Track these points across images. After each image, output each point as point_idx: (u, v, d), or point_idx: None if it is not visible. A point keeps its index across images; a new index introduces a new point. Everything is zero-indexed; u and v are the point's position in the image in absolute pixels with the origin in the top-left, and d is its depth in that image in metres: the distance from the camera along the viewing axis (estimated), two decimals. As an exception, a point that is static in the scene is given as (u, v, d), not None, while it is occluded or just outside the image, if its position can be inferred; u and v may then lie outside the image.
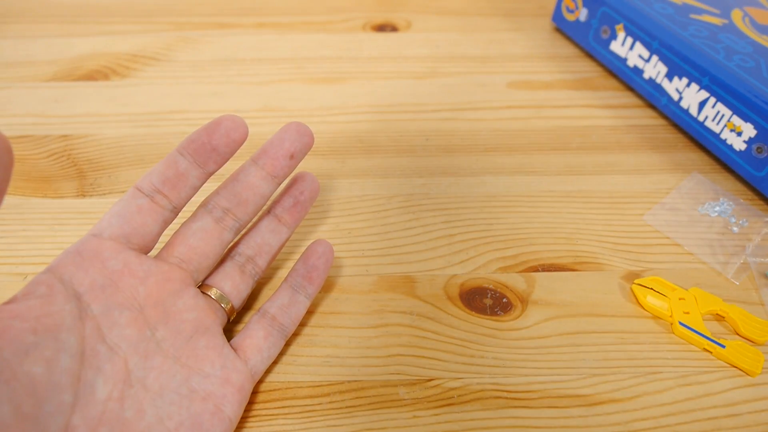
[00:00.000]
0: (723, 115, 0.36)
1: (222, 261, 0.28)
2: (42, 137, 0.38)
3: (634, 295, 0.30)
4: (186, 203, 0.26)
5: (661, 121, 0.41)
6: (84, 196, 0.35)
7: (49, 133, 0.38)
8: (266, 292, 0.30)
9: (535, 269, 0.32)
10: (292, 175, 0.31)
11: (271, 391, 0.27)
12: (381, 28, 0.49)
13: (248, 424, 0.25)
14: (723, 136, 0.36)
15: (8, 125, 0.39)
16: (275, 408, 0.26)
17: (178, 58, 0.45)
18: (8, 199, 0.34)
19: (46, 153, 0.37)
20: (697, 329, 0.29)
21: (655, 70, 0.40)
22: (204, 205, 0.27)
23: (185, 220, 0.27)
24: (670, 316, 0.29)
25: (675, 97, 0.39)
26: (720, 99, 0.36)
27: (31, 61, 0.44)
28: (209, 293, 0.26)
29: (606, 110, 0.42)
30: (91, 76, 0.43)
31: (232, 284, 0.27)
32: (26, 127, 0.39)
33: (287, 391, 0.27)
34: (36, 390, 0.20)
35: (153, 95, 0.42)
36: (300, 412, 0.26)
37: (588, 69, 0.46)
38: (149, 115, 0.40)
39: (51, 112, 0.40)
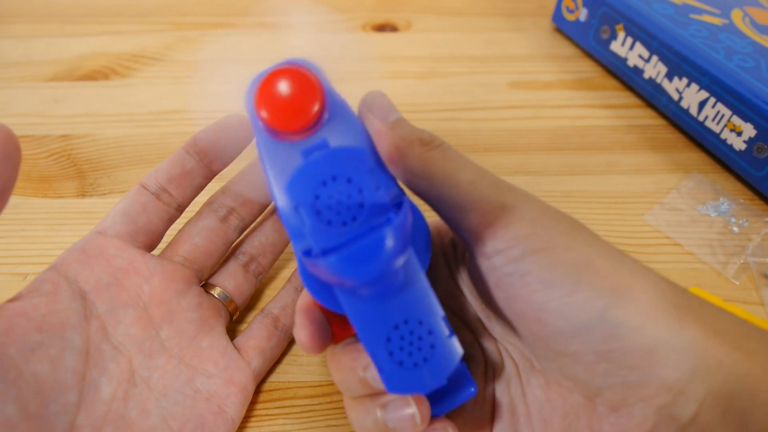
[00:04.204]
0: (723, 115, 0.36)
1: (226, 260, 0.28)
2: (42, 137, 0.38)
3: (635, 295, 0.30)
4: (191, 201, 0.26)
5: (661, 121, 0.41)
6: (84, 196, 0.35)
7: (49, 133, 0.38)
8: (269, 293, 0.30)
9: (536, 269, 0.32)
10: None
11: (271, 391, 0.27)
12: (381, 28, 0.49)
13: (249, 424, 0.25)
14: (723, 136, 0.36)
15: (8, 125, 0.39)
16: (275, 408, 0.26)
17: (178, 58, 0.45)
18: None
19: (46, 153, 0.37)
20: (697, 329, 0.29)
21: (655, 70, 0.40)
22: (209, 203, 0.27)
23: (190, 218, 0.27)
24: (671, 316, 0.29)
25: (675, 97, 0.39)
26: (720, 99, 0.36)
27: (31, 61, 0.44)
28: (213, 292, 0.27)
29: (606, 110, 0.42)
30: (91, 76, 0.43)
31: (235, 283, 0.27)
32: (26, 127, 0.39)
33: (287, 391, 0.27)
34: (42, 389, 0.20)
35: (153, 95, 0.42)
36: (300, 412, 0.26)
37: (588, 69, 0.46)
38: (149, 115, 0.40)
39: (51, 112, 0.40)
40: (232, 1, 0.52)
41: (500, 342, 0.23)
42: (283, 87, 0.19)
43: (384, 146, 0.20)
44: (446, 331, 0.19)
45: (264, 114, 0.19)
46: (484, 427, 0.22)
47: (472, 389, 0.21)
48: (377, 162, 0.21)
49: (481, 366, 0.23)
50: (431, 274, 0.24)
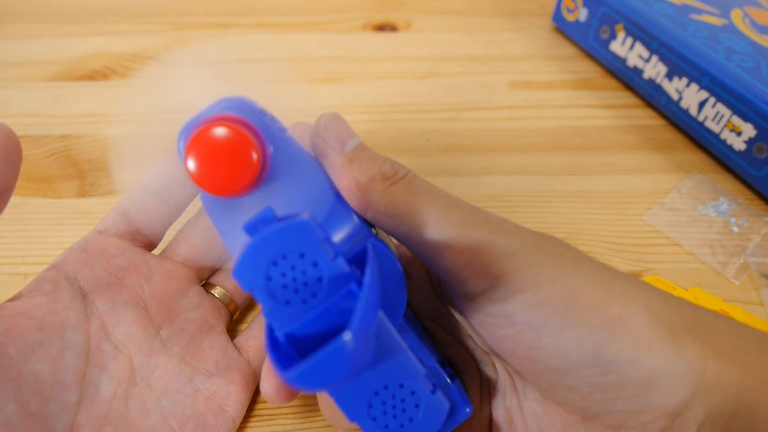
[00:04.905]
0: (723, 115, 0.36)
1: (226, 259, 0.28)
2: (42, 137, 0.38)
3: (635, 295, 0.30)
4: (191, 201, 0.26)
5: (661, 121, 0.41)
6: (84, 196, 0.35)
7: (49, 133, 0.38)
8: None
9: (536, 269, 0.32)
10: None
11: (272, 390, 0.27)
12: (381, 28, 0.49)
13: (248, 424, 0.25)
14: (723, 136, 0.36)
15: (8, 125, 0.39)
16: (275, 408, 0.26)
17: (178, 58, 0.45)
18: (8, 198, 0.34)
19: (46, 153, 0.37)
20: (697, 329, 0.29)
21: (655, 70, 0.40)
22: None
23: (190, 218, 0.27)
24: (671, 316, 0.29)
25: (675, 97, 0.39)
26: (720, 99, 0.36)
27: (31, 61, 0.44)
28: (213, 292, 0.27)
29: (606, 110, 0.42)
30: (91, 76, 0.43)
31: (235, 283, 0.27)
32: (26, 127, 0.39)
33: (288, 391, 0.27)
34: (42, 388, 0.20)
35: (153, 95, 0.42)
36: (300, 412, 0.26)
37: (588, 69, 0.46)
38: (149, 115, 0.40)
39: (51, 112, 0.40)
40: (232, 1, 0.52)
41: (493, 355, 0.22)
42: (216, 150, 0.17)
43: (343, 184, 0.19)
44: (429, 388, 0.18)
45: (198, 178, 0.17)
46: None
47: (467, 410, 0.20)
48: (337, 201, 0.19)
49: (475, 380, 0.22)
50: (414, 296, 0.23)
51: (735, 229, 0.34)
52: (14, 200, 0.34)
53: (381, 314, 0.17)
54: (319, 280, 0.16)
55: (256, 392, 0.26)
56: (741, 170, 0.36)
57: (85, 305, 0.22)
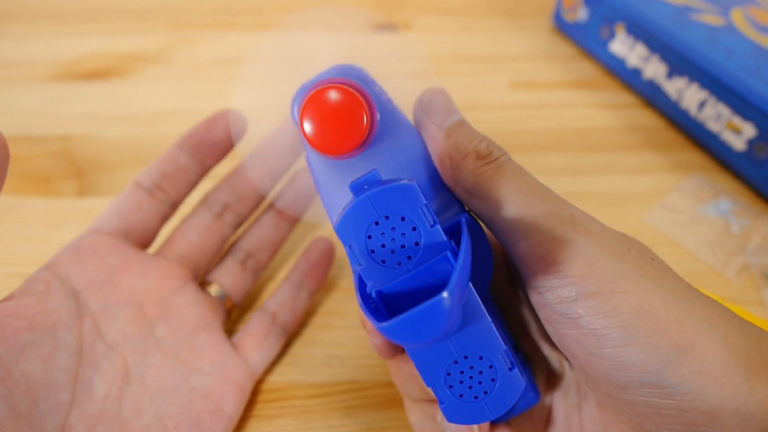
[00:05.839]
0: (723, 115, 0.36)
1: (222, 256, 0.28)
2: (42, 137, 0.38)
3: (635, 295, 0.30)
4: (185, 198, 0.26)
5: (661, 121, 0.41)
6: (83, 196, 0.35)
7: (49, 133, 0.38)
8: (267, 291, 0.30)
9: (535, 269, 0.32)
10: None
11: (271, 391, 0.27)
12: (381, 28, 0.49)
13: (248, 424, 0.25)
14: (723, 136, 0.36)
15: (8, 125, 0.39)
16: (275, 408, 0.26)
17: (178, 58, 0.45)
18: (8, 199, 0.34)
19: (45, 153, 0.37)
20: (697, 329, 0.28)
21: (655, 70, 0.40)
22: (204, 200, 0.27)
23: (185, 216, 0.27)
24: (671, 316, 0.29)
25: (675, 97, 0.39)
26: (720, 99, 0.36)
27: (31, 61, 0.44)
28: (209, 289, 0.26)
29: (606, 110, 0.42)
30: (91, 76, 0.43)
31: (232, 280, 0.27)
32: (26, 127, 0.39)
33: (287, 392, 0.27)
34: (32, 389, 0.20)
35: (153, 95, 0.42)
36: (300, 412, 0.26)
37: (588, 69, 0.46)
38: (149, 115, 0.40)
39: (51, 112, 0.40)
40: (232, 1, 0.52)
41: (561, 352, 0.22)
42: (329, 111, 0.18)
43: (438, 156, 0.19)
44: (508, 365, 0.18)
45: (309, 137, 0.18)
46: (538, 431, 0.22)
47: (535, 397, 0.20)
48: (434, 174, 0.20)
49: (543, 372, 0.22)
50: (491, 283, 0.23)
51: (735, 229, 0.34)
52: (13, 200, 0.34)
53: (470, 285, 0.18)
54: (416, 244, 0.17)
55: (256, 392, 0.26)
56: (741, 170, 0.36)
57: (78, 305, 0.22)
